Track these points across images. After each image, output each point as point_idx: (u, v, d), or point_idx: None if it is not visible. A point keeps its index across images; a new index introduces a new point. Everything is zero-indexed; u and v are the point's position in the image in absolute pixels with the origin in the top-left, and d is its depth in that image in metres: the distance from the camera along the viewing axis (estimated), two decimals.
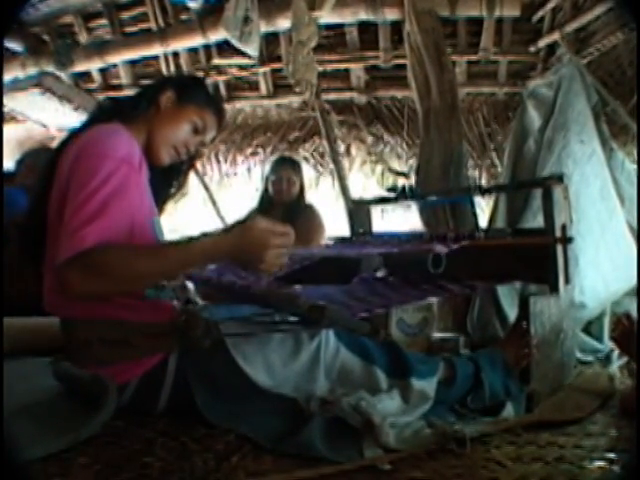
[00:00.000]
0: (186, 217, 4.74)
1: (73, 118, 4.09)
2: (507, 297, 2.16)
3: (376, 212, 3.66)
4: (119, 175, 1.15)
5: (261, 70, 4.18)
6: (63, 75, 4.17)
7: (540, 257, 1.71)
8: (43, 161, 2.55)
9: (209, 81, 1.50)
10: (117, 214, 1.13)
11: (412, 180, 3.22)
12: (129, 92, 4.05)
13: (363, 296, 1.59)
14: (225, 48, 3.93)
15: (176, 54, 4.14)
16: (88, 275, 1.07)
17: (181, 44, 3.96)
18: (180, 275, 1.38)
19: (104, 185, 1.12)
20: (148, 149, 1.39)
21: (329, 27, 3.73)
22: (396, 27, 3.57)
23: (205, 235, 1.19)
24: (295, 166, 3.12)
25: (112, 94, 4.35)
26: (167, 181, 1.54)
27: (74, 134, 1.29)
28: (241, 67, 4.18)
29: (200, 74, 4.20)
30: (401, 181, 4.07)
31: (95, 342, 1.23)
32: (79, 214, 1.09)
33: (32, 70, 4.11)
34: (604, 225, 2.16)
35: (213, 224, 4.45)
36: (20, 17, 3.80)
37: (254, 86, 4.36)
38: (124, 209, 1.16)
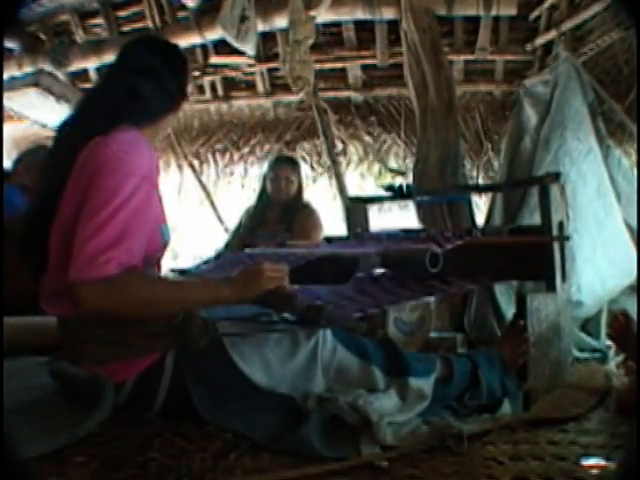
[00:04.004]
0: (183, 216, 4.74)
1: None
2: (504, 295, 2.17)
3: (373, 211, 3.66)
4: (140, 194, 1.15)
5: (258, 69, 4.17)
6: (60, 74, 4.16)
7: (537, 255, 1.71)
8: (39, 160, 2.56)
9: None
10: (137, 234, 1.14)
11: (409, 178, 3.21)
12: None
13: (360, 295, 1.59)
14: (222, 47, 3.92)
15: None
16: (108, 299, 1.09)
17: (178, 43, 3.94)
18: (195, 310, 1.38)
19: (126, 205, 1.12)
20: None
21: (326, 26, 3.72)
22: (393, 26, 3.56)
23: None
24: (293, 165, 3.12)
25: None
26: None
27: (93, 135, 1.23)
28: (238, 66, 4.17)
29: (197, 73, 4.22)
30: (398, 179, 4.07)
31: (92, 341, 1.23)
32: (101, 235, 1.09)
33: (29, 69, 4.11)
34: (601, 223, 2.17)
35: (210, 223, 4.46)
36: (18, 16, 3.79)
37: (251, 85, 4.35)
38: (142, 227, 1.17)
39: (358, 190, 4.19)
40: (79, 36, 4.14)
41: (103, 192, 1.13)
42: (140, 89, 1.32)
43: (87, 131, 1.24)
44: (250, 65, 4.11)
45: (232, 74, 4.28)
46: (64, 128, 1.36)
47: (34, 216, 1.30)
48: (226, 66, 4.21)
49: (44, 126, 4.40)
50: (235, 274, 1.28)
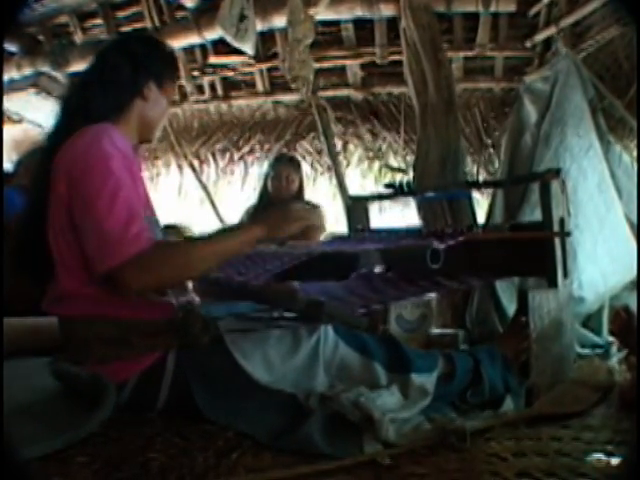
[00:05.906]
0: (183, 216, 4.74)
1: None
2: (505, 292, 2.16)
3: (374, 208, 3.66)
4: (127, 171, 1.19)
5: (257, 68, 4.17)
6: (59, 75, 4.16)
7: (538, 251, 1.71)
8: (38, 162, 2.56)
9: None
10: (139, 207, 1.19)
11: (410, 176, 3.21)
12: None
13: (361, 292, 1.59)
14: (221, 46, 3.92)
15: None
16: (154, 273, 1.13)
17: (177, 43, 3.94)
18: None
19: (120, 182, 1.16)
20: (141, 136, 1.43)
21: (325, 24, 3.71)
22: (392, 23, 3.55)
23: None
24: (294, 164, 3.12)
25: None
26: None
27: (63, 134, 1.27)
28: (237, 65, 4.17)
29: (197, 73, 4.21)
30: (399, 177, 4.07)
31: (94, 341, 1.23)
32: (113, 217, 1.12)
33: (28, 70, 4.10)
34: (602, 219, 2.16)
35: (210, 222, 4.45)
36: (18, 18, 3.78)
37: (250, 84, 4.35)
38: (140, 201, 1.23)
39: (359, 188, 4.19)
40: (78, 37, 4.14)
41: (93, 182, 1.15)
42: (90, 84, 1.35)
43: (64, 133, 1.27)
44: (249, 64, 4.11)
45: (231, 74, 4.27)
46: (49, 133, 1.39)
47: (29, 219, 1.31)
48: (225, 66, 4.20)
49: (43, 127, 4.40)
50: (264, 216, 1.33)
